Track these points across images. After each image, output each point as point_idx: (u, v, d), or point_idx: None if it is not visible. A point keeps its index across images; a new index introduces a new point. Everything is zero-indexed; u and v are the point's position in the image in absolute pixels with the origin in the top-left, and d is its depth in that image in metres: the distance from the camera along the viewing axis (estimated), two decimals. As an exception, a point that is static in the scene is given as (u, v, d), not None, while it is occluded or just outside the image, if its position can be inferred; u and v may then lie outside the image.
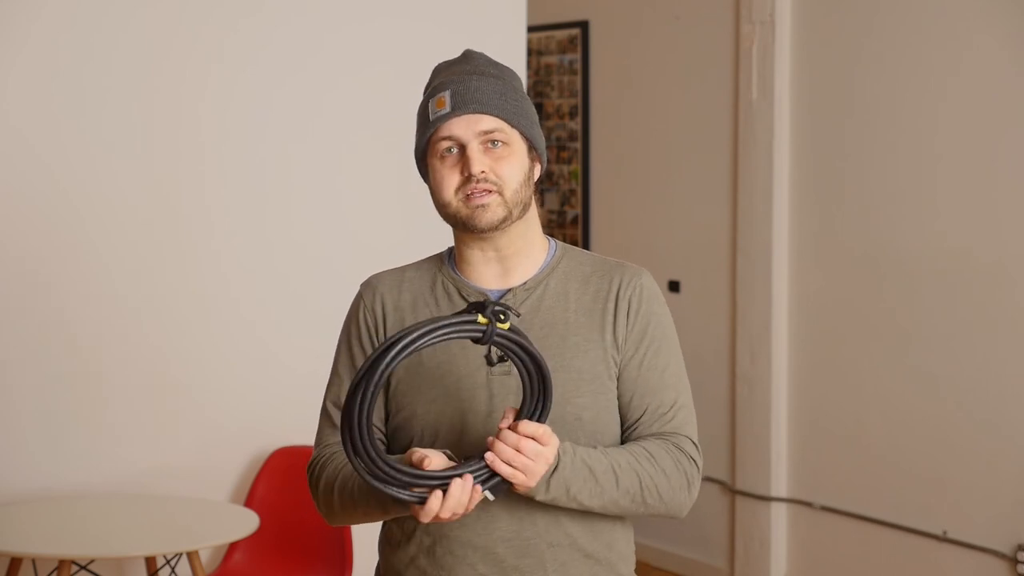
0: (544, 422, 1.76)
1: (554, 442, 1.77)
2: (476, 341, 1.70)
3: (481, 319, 1.69)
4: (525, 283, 1.95)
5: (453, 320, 1.68)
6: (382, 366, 1.65)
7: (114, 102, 3.69)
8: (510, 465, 1.74)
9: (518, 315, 1.74)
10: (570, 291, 1.95)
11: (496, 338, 1.70)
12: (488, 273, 1.96)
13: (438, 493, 1.71)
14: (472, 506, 1.74)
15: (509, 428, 1.75)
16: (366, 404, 1.66)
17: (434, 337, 1.67)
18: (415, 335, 1.66)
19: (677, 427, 1.94)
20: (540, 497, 1.81)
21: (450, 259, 2.00)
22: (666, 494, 1.89)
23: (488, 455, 1.73)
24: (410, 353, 1.66)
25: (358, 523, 1.93)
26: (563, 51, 5.84)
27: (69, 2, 3.63)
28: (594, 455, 1.85)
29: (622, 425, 1.95)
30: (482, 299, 1.74)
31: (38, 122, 3.60)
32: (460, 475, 1.72)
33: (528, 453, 1.74)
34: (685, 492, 1.92)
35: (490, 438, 1.75)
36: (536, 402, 1.76)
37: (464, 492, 1.72)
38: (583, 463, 1.83)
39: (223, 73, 3.87)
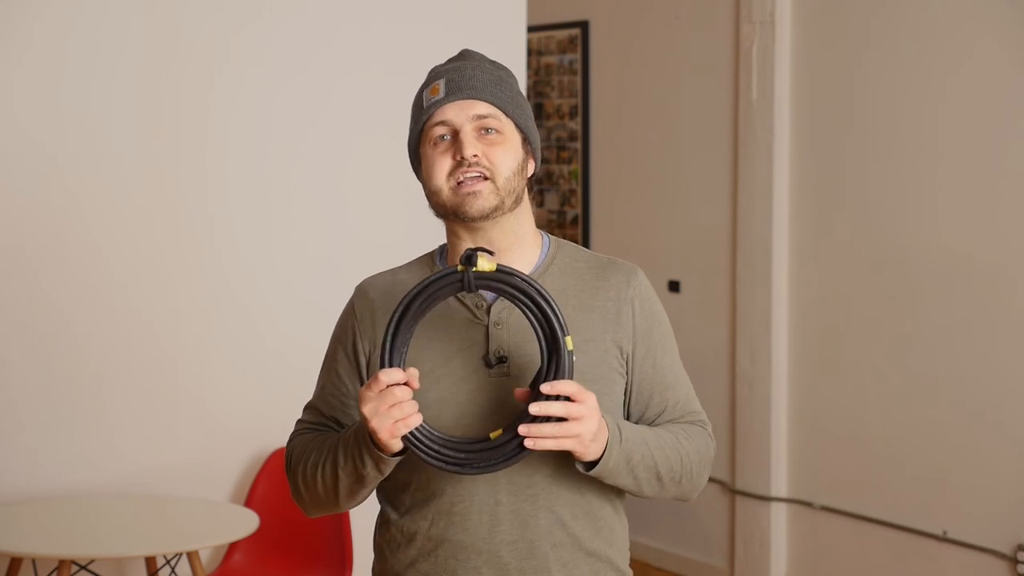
0: (569, 359, 1.74)
1: (591, 397, 1.75)
2: (462, 290, 1.75)
3: (459, 267, 1.73)
4: None
5: (435, 276, 1.74)
6: (385, 358, 1.75)
7: (119, 102, 3.69)
8: (558, 437, 1.73)
9: (491, 252, 1.76)
10: (568, 288, 1.94)
11: (478, 281, 1.74)
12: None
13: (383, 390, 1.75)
14: (399, 426, 1.74)
15: (541, 393, 1.73)
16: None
17: (426, 298, 1.74)
18: (398, 313, 1.75)
19: (698, 414, 1.99)
20: (600, 468, 1.80)
21: (442, 257, 1.99)
22: (696, 475, 1.94)
23: (527, 442, 1.73)
24: (402, 333, 1.75)
25: (325, 506, 1.93)
26: (563, 51, 5.84)
27: (72, 4, 3.63)
28: (644, 428, 1.87)
29: (638, 421, 1.96)
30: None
31: (43, 122, 3.61)
32: (491, 448, 1.76)
33: (574, 412, 1.73)
34: (707, 473, 1.97)
35: (522, 426, 1.73)
36: (550, 345, 1.75)
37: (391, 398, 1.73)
38: (638, 434, 1.85)
39: (228, 74, 3.87)
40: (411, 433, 1.75)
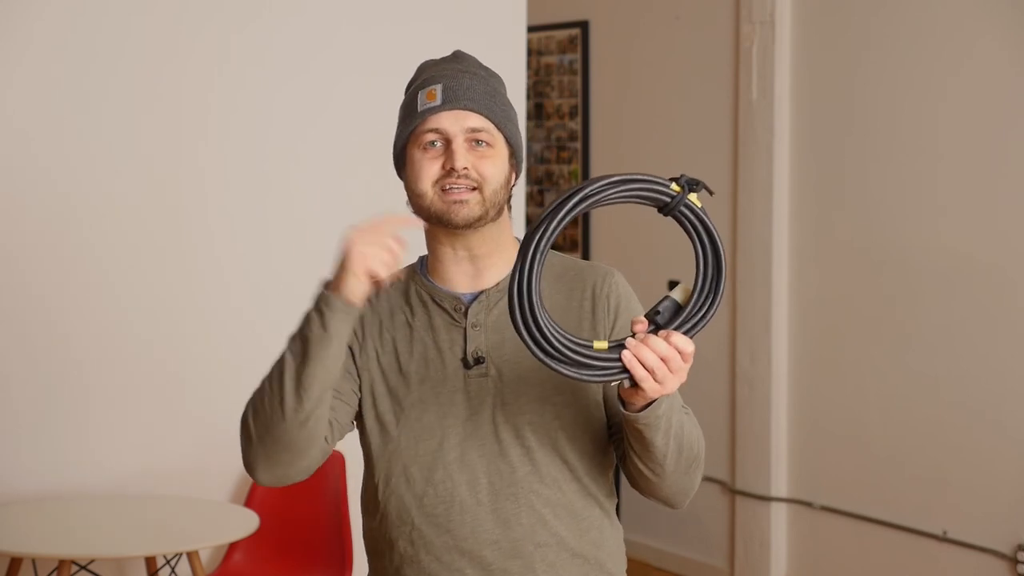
0: (707, 321, 1.70)
1: (691, 363, 1.71)
2: (660, 209, 1.67)
3: (675, 186, 1.65)
4: (498, 284, 1.94)
5: (644, 177, 1.65)
6: (562, 213, 1.64)
7: (119, 102, 3.69)
8: (648, 369, 1.68)
9: (711, 193, 1.68)
10: (542, 289, 1.94)
11: (683, 208, 1.66)
12: (460, 274, 1.95)
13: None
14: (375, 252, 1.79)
15: (662, 335, 1.68)
16: (539, 255, 1.65)
17: (621, 192, 1.64)
18: (598, 186, 1.63)
19: (687, 409, 1.94)
20: (648, 413, 1.74)
21: (422, 268, 2.00)
22: (698, 463, 1.88)
23: (625, 354, 1.67)
24: (592, 205, 1.64)
25: (271, 432, 1.89)
26: (563, 51, 5.84)
27: (72, 4, 3.63)
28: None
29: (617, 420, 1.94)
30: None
31: (43, 122, 3.61)
32: (612, 358, 1.68)
33: (673, 366, 1.68)
34: (701, 471, 1.91)
35: (630, 339, 1.68)
36: (706, 296, 1.70)
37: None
38: (671, 397, 1.79)
39: (228, 74, 3.87)
40: (519, 306, 1.67)
